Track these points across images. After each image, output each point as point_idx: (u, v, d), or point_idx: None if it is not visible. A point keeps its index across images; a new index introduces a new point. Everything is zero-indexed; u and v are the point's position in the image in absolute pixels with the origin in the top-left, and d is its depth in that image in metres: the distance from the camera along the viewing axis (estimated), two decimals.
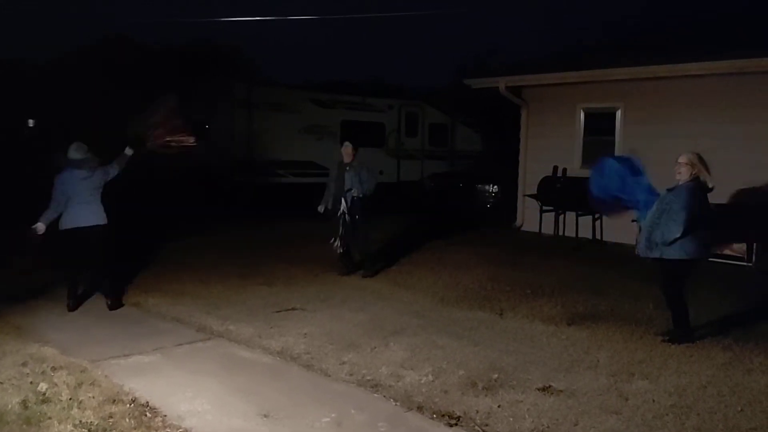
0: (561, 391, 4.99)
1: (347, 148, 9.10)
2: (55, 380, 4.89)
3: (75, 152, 7.35)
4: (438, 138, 19.82)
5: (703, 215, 6.06)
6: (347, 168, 9.01)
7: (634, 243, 6.71)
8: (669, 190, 6.22)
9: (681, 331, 6.24)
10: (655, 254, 6.21)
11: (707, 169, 6.15)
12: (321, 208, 9.15)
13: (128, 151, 7.65)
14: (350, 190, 8.91)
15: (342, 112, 17.55)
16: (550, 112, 13.26)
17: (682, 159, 6.18)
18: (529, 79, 13.39)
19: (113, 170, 7.57)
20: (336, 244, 9.01)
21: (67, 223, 7.31)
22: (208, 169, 15.59)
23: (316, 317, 7.03)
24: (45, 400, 4.54)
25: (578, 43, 15.95)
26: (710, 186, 6.14)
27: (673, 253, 6.07)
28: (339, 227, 8.98)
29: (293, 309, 7.37)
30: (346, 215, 8.91)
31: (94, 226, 7.34)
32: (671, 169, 6.30)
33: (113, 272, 7.79)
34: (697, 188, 6.10)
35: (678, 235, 5.98)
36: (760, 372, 5.44)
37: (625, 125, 12.11)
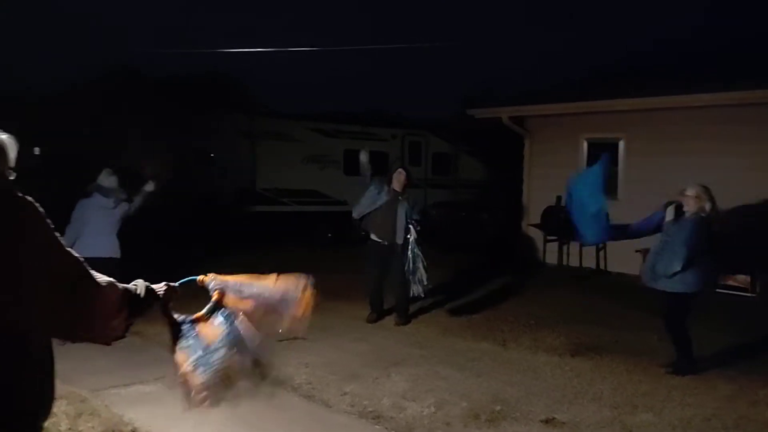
0: (564, 423, 4.94)
1: (400, 176, 8.17)
2: (54, 410, 4.81)
3: (107, 180, 7.33)
4: (441, 167, 19.85)
5: (705, 248, 6.05)
6: (399, 198, 8.08)
7: (638, 273, 6.70)
8: (674, 221, 6.22)
9: (685, 363, 6.20)
10: (660, 286, 6.21)
11: (714, 202, 6.15)
12: (385, 242, 8.11)
13: (148, 187, 7.58)
14: (413, 220, 8.04)
15: (345, 141, 17.61)
16: (553, 143, 13.30)
17: (690, 192, 6.16)
18: (532, 109, 13.47)
19: (134, 207, 7.54)
20: (417, 289, 8.00)
21: (80, 251, 7.20)
22: (212, 197, 15.65)
23: (317, 347, 6.99)
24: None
25: (581, 73, 16.04)
26: (713, 221, 6.13)
27: (675, 286, 6.09)
28: (410, 259, 8.01)
29: (294, 338, 7.31)
30: (414, 247, 8.01)
31: (106, 259, 7.05)
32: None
33: None
34: (701, 222, 6.09)
35: (678, 269, 6.01)
36: (765, 404, 5.39)
37: (628, 156, 12.13)
